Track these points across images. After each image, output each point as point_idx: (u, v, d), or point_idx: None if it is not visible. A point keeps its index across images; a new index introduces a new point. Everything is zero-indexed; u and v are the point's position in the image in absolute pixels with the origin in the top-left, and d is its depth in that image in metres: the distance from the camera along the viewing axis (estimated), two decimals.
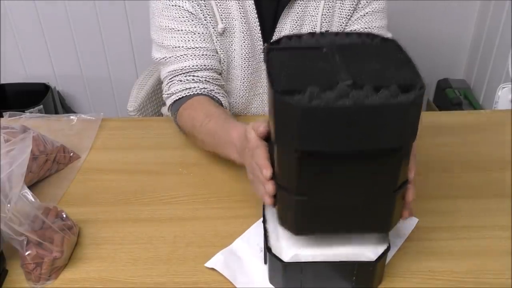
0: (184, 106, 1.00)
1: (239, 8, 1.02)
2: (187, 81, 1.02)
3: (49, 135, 0.99)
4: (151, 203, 0.90)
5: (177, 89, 1.02)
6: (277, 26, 1.05)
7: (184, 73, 1.02)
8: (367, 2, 1.05)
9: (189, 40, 1.01)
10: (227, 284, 0.74)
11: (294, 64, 0.65)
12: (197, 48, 1.02)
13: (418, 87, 0.57)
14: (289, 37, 0.71)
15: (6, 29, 2.06)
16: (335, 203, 0.65)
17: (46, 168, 0.95)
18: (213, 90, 1.02)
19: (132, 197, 0.92)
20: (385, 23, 1.09)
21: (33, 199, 0.74)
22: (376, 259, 0.68)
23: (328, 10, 1.05)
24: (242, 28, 1.04)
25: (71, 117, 1.13)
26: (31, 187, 0.86)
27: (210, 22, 1.02)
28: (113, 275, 0.76)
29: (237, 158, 0.84)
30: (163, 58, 1.04)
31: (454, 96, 2.11)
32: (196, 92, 1.01)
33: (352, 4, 1.05)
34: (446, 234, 0.82)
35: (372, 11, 1.06)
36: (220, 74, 1.07)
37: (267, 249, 0.71)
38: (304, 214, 0.65)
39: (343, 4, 1.05)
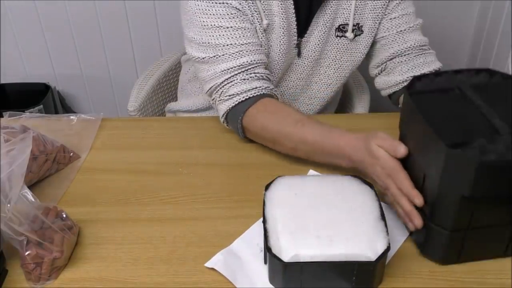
0: (256, 107, 0.97)
1: (280, 5, 1.02)
2: (250, 79, 0.98)
3: (49, 135, 0.99)
4: (151, 203, 0.90)
5: (242, 89, 0.97)
6: (312, 22, 1.06)
7: (244, 71, 0.99)
8: (397, 3, 1.07)
9: (240, 37, 0.99)
10: (227, 284, 0.74)
11: (443, 110, 0.73)
12: (250, 43, 1.00)
13: None
14: (418, 78, 0.79)
15: (6, 29, 2.06)
16: (483, 237, 0.72)
17: (46, 168, 0.95)
18: (274, 89, 1.01)
19: (132, 197, 0.92)
20: (418, 22, 1.13)
21: (33, 199, 0.74)
22: (376, 259, 0.68)
23: (361, 2, 1.06)
24: (282, 24, 1.03)
25: (71, 117, 1.13)
26: (31, 187, 0.86)
27: (257, 19, 1.01)
28: (113, 275, 0.76)
29: (349, 165, 0.87)
30: (213, 56, 0.99)
31: None
32: (263, 92, 0.98)
33: (383, 5, 1.07)
34: None
35: (402, 14, 1.09)
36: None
37: (267, 249, 0.71)
38: (453, 247, 0.73)
39: (374, 3, 1.06)
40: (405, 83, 1.08)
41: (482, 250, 0.74)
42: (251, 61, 0.99)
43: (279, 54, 1.07)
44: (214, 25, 0.98)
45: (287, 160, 0.99)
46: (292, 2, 1.02)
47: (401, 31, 1.09)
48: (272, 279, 0.73)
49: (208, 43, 0.99)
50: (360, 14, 1.07)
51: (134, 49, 2.10)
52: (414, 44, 1.09)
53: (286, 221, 0.73)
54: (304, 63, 1.11)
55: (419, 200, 0.73)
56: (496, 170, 0.64)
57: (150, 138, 1.08)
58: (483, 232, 0.71)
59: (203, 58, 1.01)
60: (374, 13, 1.07)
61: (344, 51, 1.11)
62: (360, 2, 1.06)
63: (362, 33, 1.09)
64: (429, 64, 1.09)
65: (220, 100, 1.00)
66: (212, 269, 0.76)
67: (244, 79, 0.98)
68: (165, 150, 1.04)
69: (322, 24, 1.06)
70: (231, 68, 0.98)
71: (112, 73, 2.19)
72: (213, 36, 0.99)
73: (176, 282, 0.75)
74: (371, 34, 1.09)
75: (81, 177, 0.98)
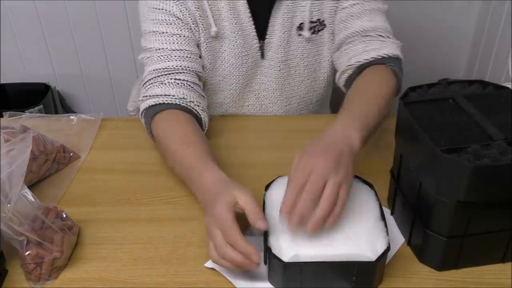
0: (161, 116, 0.96)
1: (230, 10, 1.02)
2: (168, 84, 0.98)
3: (49, 135, 0.99)
4: (151, 203, 0.90)
5: (156, 93, 0.98)
6: (270, 20, 1.05)
7: (166, 74, 0.99)
8: None
9: (173, 42, 1.00)
10: (227, 284, 0.74)
11: (437, 118, 0.74)
12: (182, 50, 1.01)
13: None
14: (412, 89, 0.80)
15: (6, 29, 2.06)
16: (480, 244, 0.73)
17: (46, 168, 0.95)
18: (193, 102, 0.98)
19: (132, 197, 0.92)
20: (371, 7, 1.04)
21: (33, 199, 0.74)
22: (376, 259, 0.68)
23: (316, 4, 1.05)
24: (233, 28, 1.04)
25: (71, 117, 1.13)
26: (31, 187, 0.86)
27: (202, 25, 1.02)
28: (113, 275, 0.76)
29: (201, 201, 0.81)
30: (146, 58, 1.03)
31: None
32: (175, 102, 0.97)
33: None
34: None
35: (353, 3, 1.04)
36: (202, 81, 1.06)
37: (267, 249, 0.71)
38: (450, 253, 0.73)
39: None
40: (344, 75, 1.04)
41: (480, 257, 0.74)
42: (175, 66, 0.99)
43: (237, 58, 1.07)
44: (152, 30, 1.01)
45: (287, 160, 0.99)
46: (248, 6, 1.02)
47: (346, 19, 1.05)
48: (272, 279, 0.73)
49: (145, 46, 1.03)
50: (318, 10, 1.06)
51: (134, 49, 2.10)
52: (356, 30, 1.03)
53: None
54: (271, 64, 1.10)
55: (258, 258, 0.68)
56: (490, 174, 0.64)
57: (150, 138, 1.08)
58: (480, 238, 0.71)
59: (141, 59, 1.05)
60: (331, 6, 1.06)
61: (309, 48, 1.10)
62: None
63: (324, 27, 1.08)
64: (368, 52, 1.01)
65: (140, 99, 1.02)
66: (212, 269, 0.76)
67: (162, 83, 0.99)
68: None
69: (281, 25, 1.06)
70: (155, 70, 1.00)
71: (112, 73, 2.19)
72: (150, 40, 1.02)
73: (176, 282, 0.75)
74: (332, 27, 1.08)
75: (81, 177, 0.98)
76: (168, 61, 1.00)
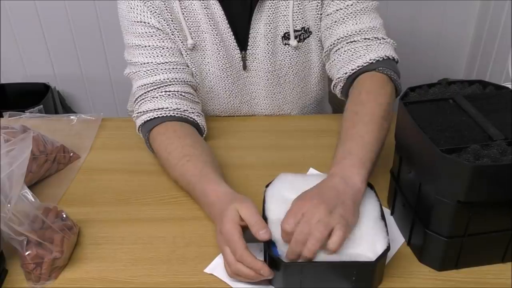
0: (158, 130, 0.96)
1: (209, 21, 1.01)
2: (160, 97, 0.98)
3: (49, 135, 0.99)
4: (151, 203, 0.90)
5: (148, 108, 0.97)
6: (250, 31, 1.03)
7: (156, 88, 0.99)
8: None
9: (157, 55, 0.99)
10: (227, 284, 0.74)
11: (437, 119, 0.73)
12: (167, 62, 1.00)
13: None
14: (412, 89, 0.80)
15: (6, 29, 2.06)
16: (480, 244, 0.73)
17: (46, 168, 0.95)
18: (187, 110, 0.99)
19: (132, 197, 0.92)
20: (355, 9, 0.99)
21: (33, 199, 0.74)
22: (376, 260, 0.68)
23: (299, 6, 1.03)
24: (214, 40, 1.02)
25: (71, 117, 1.13)
26: (31, 187, 0.86)
27: (179, 37, 1.01)
28: (113, 275, 0.76)
29: (208, 214, 0.83)
30: (132, 73, 1.01)
31: None
32: (169, 114, 0.97)
33: (318, 3, 1.01)
34: None
35: (336, 9, 1.00)
36: (194, 89, 1.05)
37: (267, 249, 0.71)
38: (451, 253, 0.73)
39: (310, 4, 1.02)
40: (338, 87, 1.00)
41: (480, 257, 0.74)
42: (163, 79, 0.99)
43: (221, 70, 1.06)
44: (134, 43, 1.00)
45: (287, 160, 1.00)
46: (225, 16, 1.00)
47: (331, 25, 1.01)
48: (272, 279, 0.73)
49: (130, 60, 1.02)
50: (301, 19, 1.04)
51: None
52: (341, 36, 0.99)
53: None
54: (258, 75, 1.09)
55: (269, 274, 0.69)
56: (490, 174, 0.64)
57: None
58: (480, 238, 0.71)
59: (127, 74, 1.04)
60: (314, 13, 1.03)
61: (297, 57, 1.08)
62: (298, 8, 1.03)
63: (310, 34, 1.06)
64: (355, 60, 0.96)
65: (134, 116, 1.01)
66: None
67: (153, 97, 0.98)
68: None
69: (263, 36, 1.04)
70: (145, 85, 0.99)
71: (112, 73, 2.19)
72: (133, 54, 1.01)
73: (176, 282, 0.75)
74: (318, 34, 1.06)
75: (81, 177, 0.98)
76: (155, 75, 0.99)
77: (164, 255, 0.79)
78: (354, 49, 0.97)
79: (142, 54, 1.00)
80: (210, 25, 1.01)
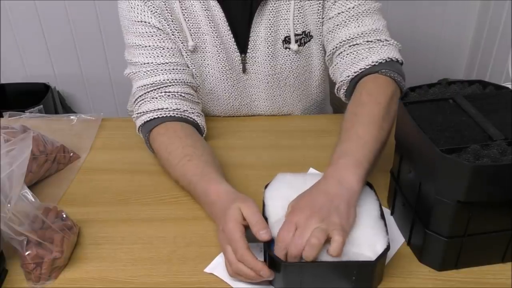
0: (158, 130, 0.96)
1: (209, 23, 1.00)
2: (160, 98, 0.98)
3: (49, 135, 0.99)
4: (151, 203, 0.90)
5: (148, 108, 0.97)
6: (251, 34, 1.03)
7: (156, 89, 0.99)
8: (332, 2, 1.00)
9: (158, 56, 0.99)
10: (227, 284, 0.74)
11: (437, 119, 0.73)
12: (167, 63, 1.00)
13: None
14: (412, 89, 0.79)
15: (6, 29, 2.06)
16: (480, 244, 0.73)
17: (46, 168, 0.95)
18: (187, 111, 0.99)
19: (132, 197, 0.92)
20: (357, 11, 0.99)
21: (33, 199, 0.74)
22: (376, 259, 0.68)
23: (299, 10, 1.02)
24: (215, 42, 1.02)
25: (71, 117, 1.13)
26: (31, 187, 0.86)
27: (179, 38, 1.01)
28: (113, 275, 0.76)
29: (209, 213, 0.84)
30: (132, 73, 1.01)
31: None
32: (169, 115, 0.97)
33: (320, 6, 1.01)
34: None
35: (338, 12, 1.00)
36: (195, 89, 1.05)
37: (267, 249, 0.71)
38: (451, 253, 0.73)
39: (311, 8, 1.02)
40: (341, 91, 1.00)
41: (480, 257, 0.74)
42: (163, 80, 0.99)
43: (221, 72, 1.06)
44: (135, 43, 1.00)
45: (287, 160, 0.99)
46: (225, 18, 1.00)
47: (333, 29, 1.01)
48: (272, 279, 0.73)
49: (130, 60, 1.02)
50: (302, 23, 1.03)
51: None
52: (343, 39, 0.99)
53: None
54: (258, 78, 1.08)
55: (270, 275, 0.69)
56: (490, 174, 0.64)
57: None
58: (480, 238, 0.71)
59: (127, 74, 1.04)
60: (315, 17, 1.03)
61: (298, 61, 1.08)
62: (299, 12, 1.02)
63: (311, 38, 1.05)
64: (357, 63, 0.96)
65: (134, 116, 1.01)
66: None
67: (153, 98, 0.98)
68: None
69: (264, 39, 1.03)
70: (144, 85, 0.99)
71: (112, 73, 2.19)
72: (133, 54, 1.01)
73: (176, 282, 0.75)
74: (320, 38, 1.06)
75: (81, 177, 0.98)
76: (156, 75, 0.99)
77: (164, 255, 0.79)
78: (357, 52, 0.97)
79: (142, 54, 1.00)
80: (211, 27, 1.01)
